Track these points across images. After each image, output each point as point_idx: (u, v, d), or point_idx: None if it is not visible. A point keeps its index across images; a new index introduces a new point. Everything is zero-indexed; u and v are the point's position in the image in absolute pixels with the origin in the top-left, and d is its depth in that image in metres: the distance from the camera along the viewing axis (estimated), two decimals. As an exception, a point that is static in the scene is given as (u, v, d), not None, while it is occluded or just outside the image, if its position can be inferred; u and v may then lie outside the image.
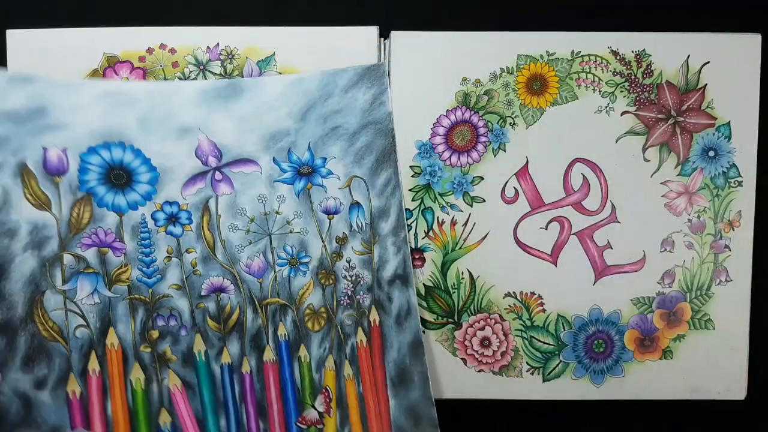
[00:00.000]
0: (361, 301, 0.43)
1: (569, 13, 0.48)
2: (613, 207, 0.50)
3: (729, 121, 0.50)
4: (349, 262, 0.44)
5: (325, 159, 0.45)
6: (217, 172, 0.42)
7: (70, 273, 0.37)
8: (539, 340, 0.51)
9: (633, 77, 0.49)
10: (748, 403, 0.52)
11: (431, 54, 0.47)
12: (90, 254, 0.38)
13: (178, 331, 0.38)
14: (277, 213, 0.43)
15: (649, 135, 0.50)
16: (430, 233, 0.48)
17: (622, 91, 0.49)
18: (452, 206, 0.49)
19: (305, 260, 0.41)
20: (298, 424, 0.39)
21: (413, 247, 0.46)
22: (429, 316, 0.47)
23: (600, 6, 0.48)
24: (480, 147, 0.49)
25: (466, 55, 0.48)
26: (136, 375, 0.38)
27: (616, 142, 0.49)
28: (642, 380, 0.52)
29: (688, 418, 0.53)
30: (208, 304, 0.38)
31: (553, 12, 0.47)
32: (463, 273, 0.49)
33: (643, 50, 0.48)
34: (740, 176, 0.50)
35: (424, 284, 0.47)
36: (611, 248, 0.50)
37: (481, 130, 0.49)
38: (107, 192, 0.39)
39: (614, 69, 0.48)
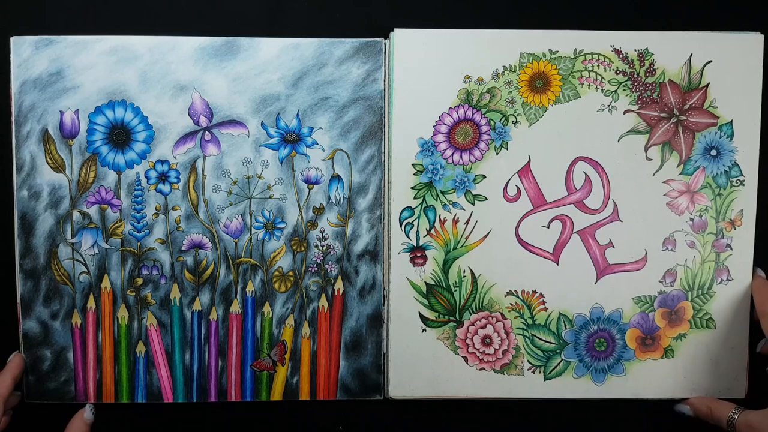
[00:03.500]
0: (328, 270, 0.59)
1: (572, 11, 0.60)
2: (615, 206, 0.59)
3: (731, 120, 0.58)
4: (322, 232, 0.59)
5: (311, 128, 0.59)
6: (206, 132, 0.58)
7: (77, 228, 0.58)
8: (541, 339, 0.60)
9: (635, 76, 0.58)
10: (749, 401, 0.60)
11: (433, 52, 0.58)
12: (93, 211, 0.59)
13: (159, 279, 0.59)
14: (260, 177, 0.59)
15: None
16: (432, 231, 0.59)
17: (624, 90, 0.58)
18: (454, 204, 0.59)
19: (281, 226, 0.56)
20: (252, 367, 0.55)
21: (414, 245, 0.58)
22: (430, 314, 0.60)
23: (603, 5, 0.60)
24: (482, 145, 0.58)
25: (469, 52, 0.58)
26: (122, 313, 0.59)
27: (618, 140, 0.58)
28: (643, 379, 0.61)
29: (689, 416, 0.61)
30: (187, 258, 0.56)
31: (555, 10, 0.60)
32: (464, 271, 0.59)
33: (646, 49, 0.58)
34: (742, 175, 0.59)
35: (425, 282, 0.59)
36: (613, 247, 0.59)
37: (484, 128, 0.58)
38: (109, 151, 0.58)
39: (617, 67, 0.58)
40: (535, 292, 0.59)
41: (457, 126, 0.58)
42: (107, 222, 0.58)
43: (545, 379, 0.60)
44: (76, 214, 0.58)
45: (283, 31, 0.58)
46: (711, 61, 0.57)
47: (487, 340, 0.59)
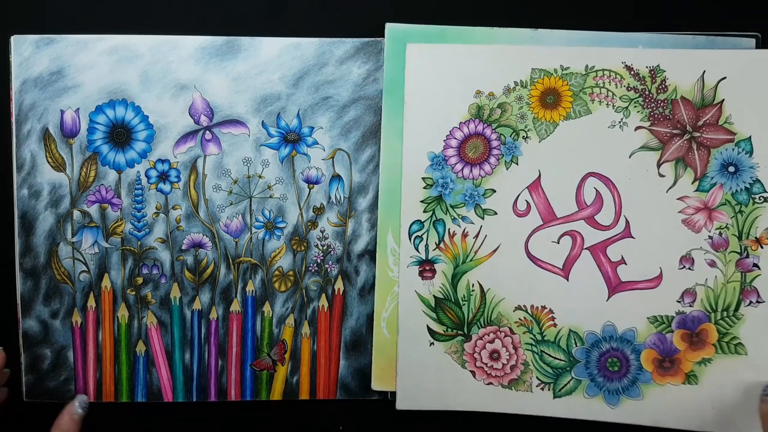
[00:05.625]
0: (329, 269, 0.60)
1: (568, 9, 0.59)
2: (627, 222, 0.57)
3: (749, 137, 0.56)
4: (323, 232, 0.60)
5: (312, 128, 0.59)
6: (207, 132, 0.58)
7: (78, 227, 0.59)
8: (550, 355, 0.59)
9: (647, 92, 0.56)
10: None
11: (446, 66, 0.57)
12: (93, 210, 0.59)
13: (159, 279, 0.60)
14: (260, 177, 0.59)
15: (664, 150, 0.57)
16: (441, 245, 0.58)
17: (636, 107, 0.57)
18: (464, 218, 0.58)
19: (281, 225, 0.56)
20: (252, 366, 0.55)
21: (424, 258, 0.58)
22: (438, 328, 0.59)
23: (603, 6, 0.59)
24: (492, 160, 0.58)
25: (480, 67, 0.57)
26: (122, 312, 0.60)
27: (629, 157, 0.57)
28: (664, 405, 0.58)
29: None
30: (187, 257, 0.57)
31: (552, 8, 0.59)
32: (473, 285, 0.59)
33: (657, 66, 0.56)
34: (766, 192, 0.56)
35: (434, 296, 0.59)
36: (625, 264, 0.57)
37: (494, 143, 0.58)
38: (110, 150, 0.59)
39: (628, 84, 0.56)
40: (544, 307, 0.58)
41: (468, 140, 0.57)
42: (107, 221, 0.58)
43: (555, 397, 0.59)
44: (76, 213, 0.58)
45: (284, 30, 0.58)
46: (725, 78, 0.55)
47: (495, 355, 0.59)
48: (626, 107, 0.56)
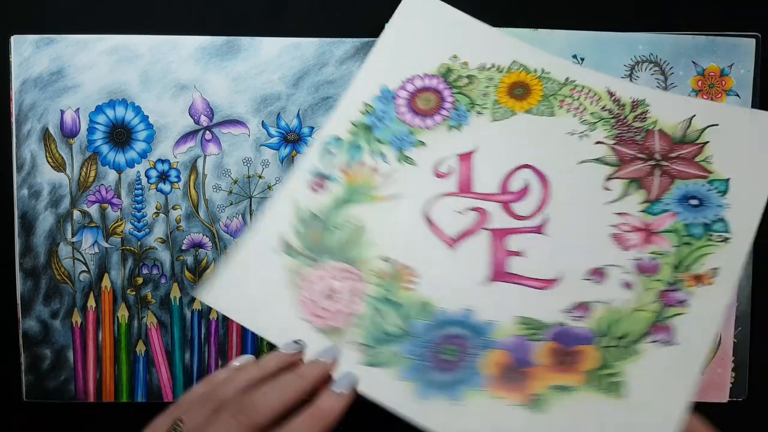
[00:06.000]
0: (329, 268, 0.55)
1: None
2: (546, 220, 0.52)
3: (728, 179, 0.51)
4: (323, 232, 0.56)
5: (312, 128, 0.59)
6: (207, 132, 0.58)
7: (78, 227, 0.59)
8: (387, 320, 0.50)
9: (622, 118, 0.54)
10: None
11: (437, 20, 0.57)
12: (93, 210, 0.59)
13: (159, 279, 0.60)
14: (260, 177, 0.59)
15: (621, 168, 0.53)
16: (347, 168, 0.54)
17: (605, 125, 0.54)
18: (382, 155, 0.55)
19: (281, 225, 0.55)
20: (251, 366, 0.54)
21: (322, 172, 0.54)
22: (296, 243, 0.52)
23: (602, 5, 0.60)
24: (438, 118, 0.56)
25: (467, 37, 0.57)
26: (122, 312, 0.60)
27: (578, 163, 0.53)
28: (484, 422, 0.45)
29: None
30: (187, 257, 0.55)
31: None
32: (352, 218, 0.53)
33: (643, 100, 0.54)
34: (728, 232, 0.50)
35: (310, 211, 0.53)
36: (522, 257, 0.52)
37: (447, 105, 0.56)
38: (110, 150, 0.59)
39: (604, 105, 0.55)
40: (410, 268, 0.51)
41: (424, 91, 0.56)
42: (107, 221, 0.59)
43: (365, 364, 0.48)
44: (76, 213, 0.58)
45: (284, 30, 0.59)
46: (717, 125, 0.52)
47: (330, 294, 0.50)
48: (594, 123, 0.54)
